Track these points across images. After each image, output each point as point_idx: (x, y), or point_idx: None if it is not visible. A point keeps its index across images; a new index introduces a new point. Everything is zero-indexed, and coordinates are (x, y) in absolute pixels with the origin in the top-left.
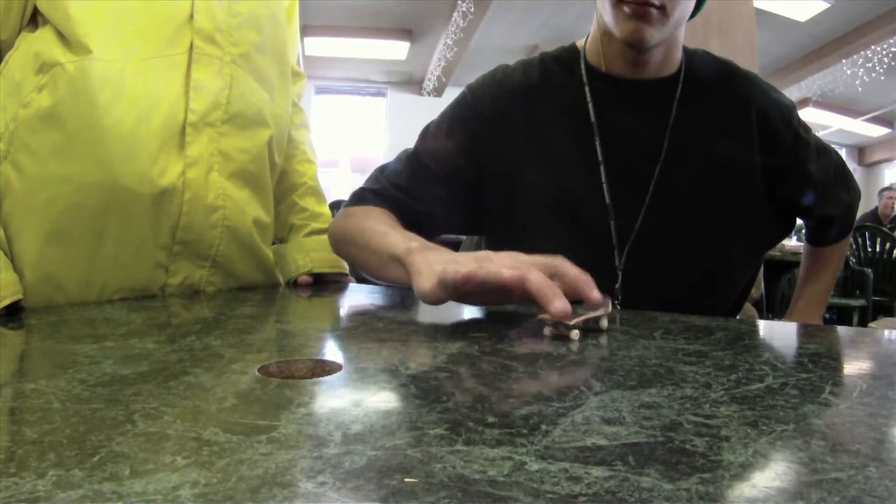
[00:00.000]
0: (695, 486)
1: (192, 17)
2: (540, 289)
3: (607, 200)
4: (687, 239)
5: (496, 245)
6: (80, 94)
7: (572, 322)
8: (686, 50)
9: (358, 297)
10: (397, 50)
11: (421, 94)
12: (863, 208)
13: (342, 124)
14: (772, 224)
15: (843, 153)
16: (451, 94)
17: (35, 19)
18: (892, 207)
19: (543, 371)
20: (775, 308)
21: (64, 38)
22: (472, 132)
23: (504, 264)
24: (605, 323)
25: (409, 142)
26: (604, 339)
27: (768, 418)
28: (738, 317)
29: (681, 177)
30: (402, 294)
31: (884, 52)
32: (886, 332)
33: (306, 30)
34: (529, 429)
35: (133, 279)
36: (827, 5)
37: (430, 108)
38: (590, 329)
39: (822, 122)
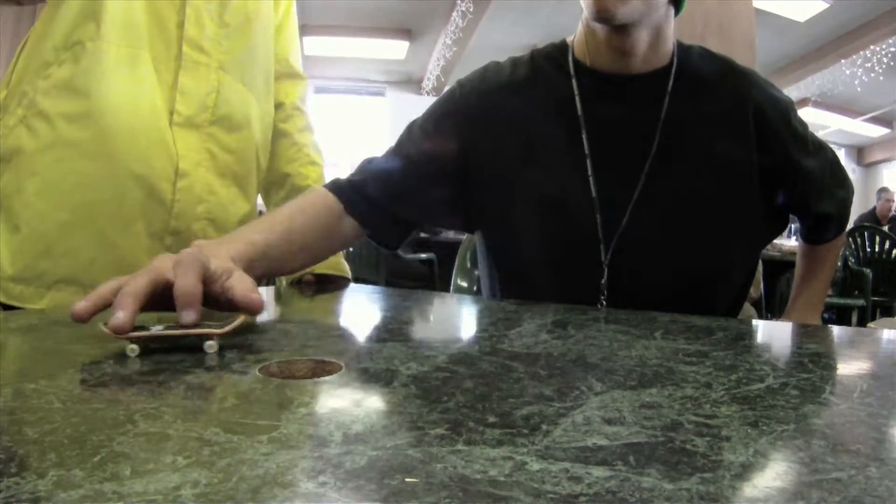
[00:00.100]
0: (695, 486)
1: (182, 24)
2: (104, 292)
3: (594, 194)
4: (676, 235)
5: (488, 241)
6: (94, 70)
7: (132, 335)
8: (681, 45)
9: (358, 297)
10: (396, 49)
11: (420, 94)
12: (861, 208)
13: (341, 124)
14: (765, 222)
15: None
16: (450, 87)
17: None
18: (890, 208)
19: (544, 371)
20: (774, 308)
21: (87, 18)
22: (460, 127)
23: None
24: (208, 344)
25: None
26: (604, 339)
27: (769, 418)
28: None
29: (672, 172)
30: (403, 294)
31: (883, 53)
32: (886, 332)
33: (306, 29)
34: (530, 429)
35: (120, 260)
36: (826, 5)
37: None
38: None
39: (821, 122)
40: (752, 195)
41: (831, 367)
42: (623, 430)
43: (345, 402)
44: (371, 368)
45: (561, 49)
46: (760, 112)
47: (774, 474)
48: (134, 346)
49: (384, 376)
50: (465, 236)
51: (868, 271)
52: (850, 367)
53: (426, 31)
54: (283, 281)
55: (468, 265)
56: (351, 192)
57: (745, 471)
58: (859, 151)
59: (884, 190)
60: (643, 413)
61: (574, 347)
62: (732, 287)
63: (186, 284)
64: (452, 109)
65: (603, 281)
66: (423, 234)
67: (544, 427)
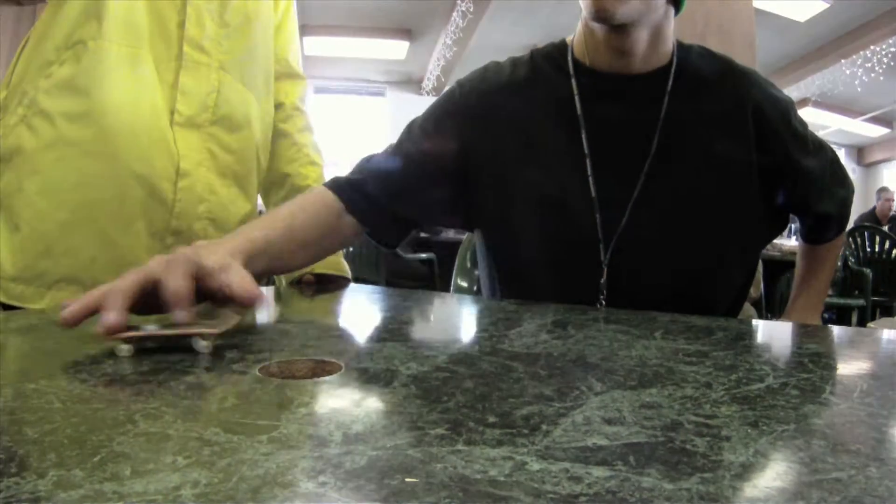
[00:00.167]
0: (695, 486)
1: (183, 24)
2: (91, 296)
3: (593, 194)
4: (676, 235)
5: (488, 240)
6: (96, 69)
7: (124, 335)
8: (681, 45)
9: (358, 297)
10: (396, 49)
11: (420, 94)
12: (861, 208)
13: (341, 124)
14: (764, 222)
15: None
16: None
17: None
18: (890, 207)
19: (544, 371)
20: (775, 308)
21: (89, 18)
22: (460, 127)
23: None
24: (201, 345)
25: None
26: (604, 339)
27: (769, 418)
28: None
29: (672, 172)
30: (403, 294)
31: (883, 53)
32: (886, 332)
33: (306, 29)
34: (530, 429)
35: (121, 260)
36: (826, 5)
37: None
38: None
39: (821, 122)
40: (751, 195)
41: (831, 367)
42: (623, 430)
43: (345, 402)
44: (371, 368)
45: (560, 49)
46: (760, 111)
47: (774, 474)
48: (124, 346)
49: (384, 376)
50: (465, 236)
51: (868, 271)
52: (850, 367)
53: (426, 31)
54: (283, 281)
55: (468, 265)
56: (350, 191)
57: (745, 471)
58: (859, 151)
59: (883, 190)
60: (643, 413)
61: (574, 347)
62: (732, 287)
63: (175, 283)
64: (452, 109)
65: (602, 280)
66: (423, 234)
67: (544, 427)
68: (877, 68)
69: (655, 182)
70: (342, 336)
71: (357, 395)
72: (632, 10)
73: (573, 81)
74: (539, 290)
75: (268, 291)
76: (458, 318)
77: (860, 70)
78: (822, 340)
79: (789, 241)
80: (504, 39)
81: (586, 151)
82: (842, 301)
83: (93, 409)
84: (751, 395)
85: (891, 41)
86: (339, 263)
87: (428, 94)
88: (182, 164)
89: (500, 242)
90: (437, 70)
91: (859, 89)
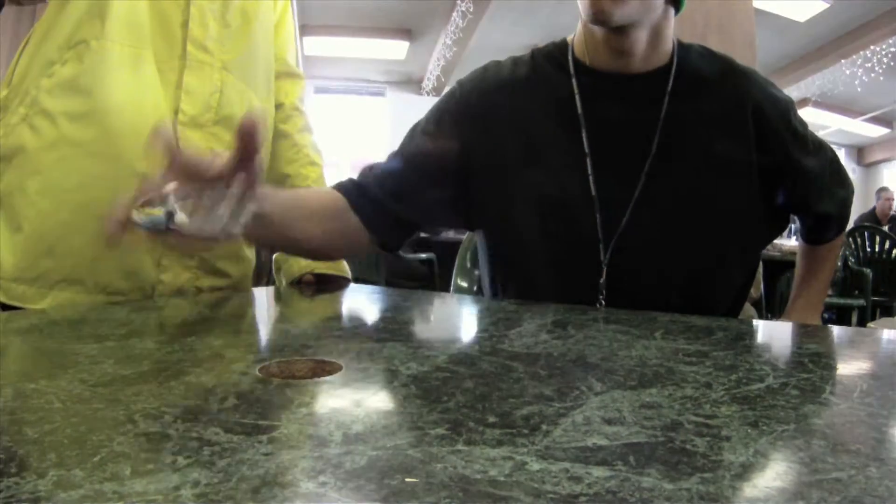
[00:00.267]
0: (695, 485)
1: (186, 24)
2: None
3: (593, 193)
4: (676, 235)
5: (488, 240)
6: (98, 69)
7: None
8: (681, 44)
9: (358, 297)
10: (396, 50)
11: (420, 94)
12: (861, 208)
13: (341, 124)
14: (764, 222)
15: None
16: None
17: None
18: (890, 207)
19: (544, 371)
20: (775, 308)
21: (92, 17)
22: (460, 126)
23: None
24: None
25: None
26: (604, 340)
27: (769, 418)
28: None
29: (672, 171)
30: (403, 294)
31: (883, 53)
32: (886, 332)
33: (305, 29)
34: (530, 429)
35: (123, 262)
36: (826, 5)
37: (429, 108)
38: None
39: (821, 122)
40: (751, 195)
41: (831, 367)
42: (623, 430)
43: (345, 402)
44: (371, 368)
45: (561, 48)
46: (760, 111)
47: (774, 474)
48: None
49: (384, 376)
50: (465, 236)
51: (868, 271)
52: (850, 367)
53: (426, 31)
54: (284, 281)
55: (468, 265)
56: (355, 192)
57: (745, 471)
58: (859, 151)
59: (883, 189)
60: (643, 413)
61: (574, 347)
62: (732, 287)
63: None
64: (452, 109)
65: (602, 280)
66: (423, 234)
67: (544, 427)
68: (877, 68)
69: (656, 182)
70: (342, 336)
71: (357, 395)
72: (629, 11)
73: (573, 81)
74: (539, 290)
75: (268, 291)
76: (458, 318)
77: (860, 70)
78: (822, 340)
79: (789, 241)
80: (504, 39)
81: (587, 151)
82: (842, 301)
83: (93, 409)
84: (751, 395)
85: (891, 41)
86: (339, 263)
87: (428, 94)
88: None
89: (500, 242)
90: (437, 70)
91: (859, 89)
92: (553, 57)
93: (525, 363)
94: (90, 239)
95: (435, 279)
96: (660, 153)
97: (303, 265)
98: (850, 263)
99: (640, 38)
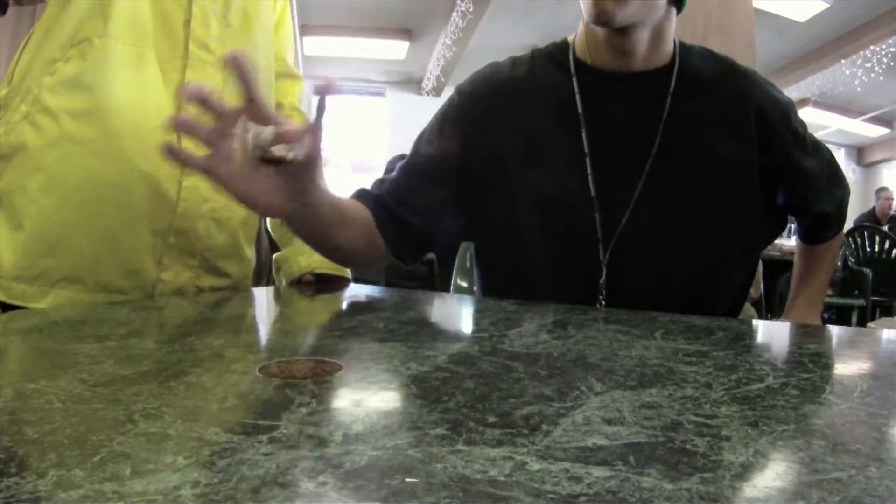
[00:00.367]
0: (695, 485)
1: (188, 23)
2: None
3: (593, 193)
4: (676, 235)
5: (488, 240)
6: (101, 67)
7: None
8: (682, 45)
9: (358, 297)
10: (396, 50)
11: (420, 94)
12: (861, 208)
13: (341, 124)
14: (765, 223)
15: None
16: (450, 94)
17: None
18: (890, 207)
19: (544, 371)
20: (774, 308)
21: (95, 16)
22: (463, 131)
23: None
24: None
25: (408, 141)
26: (604, 340)
27: (769, 418)
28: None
29: (673, 172)
30: (403, 294)
31: (883, 53)
32: (886, 332)
33: (306, 29)
34: (530, 429)
35: (124, 260)
36: (826, 5)
37: (429, 108)
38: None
39: (821, 122)
40: (752, 195)
41: (831, 367)
42: (623, 430)
43: (345, 403)
44: (371, 368)
45: (562, 48)
46: (762, 112)
47: (774, 474)
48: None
49: (384, 376)
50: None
51: (868, 271)
52: (850, 367)
53: (426, 31)
54: (283, 281)
55: (468, 265)
56: (375, 205)
57: (745, 471)
58: (859, 151)
59: (883, 189)
60: (643, 413)
61: (574, 347)
62: (732, 287)
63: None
64: (453, 112)
65: (602, 280)
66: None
67: (544, 427)
68: (877, 68)
69: (656, 182)
70: (342, 336)
71: (357, 395)
72: (632, 12)
73: (574, 80)
74: (538, 290)
75: (268, 291)
76: (458, 318)
77: (860, 70)
78: (822, 340)
79: (789, 241)
80: (504, 39)
81: (586, 150)
82: (842, 301)
83: (93, 409)
84: (751, 395)
85: (891, 41)
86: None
87: (428, 95)
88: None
89: (500, 242)
90: (436, 70)
91: (859, 89)
92: (554, 57)
93: (525, 363)
94: (91, 237)
95: (435, 279)
96: (660, 153)
97: (303, 265)
98: (849, 263)
99: (642, 38)
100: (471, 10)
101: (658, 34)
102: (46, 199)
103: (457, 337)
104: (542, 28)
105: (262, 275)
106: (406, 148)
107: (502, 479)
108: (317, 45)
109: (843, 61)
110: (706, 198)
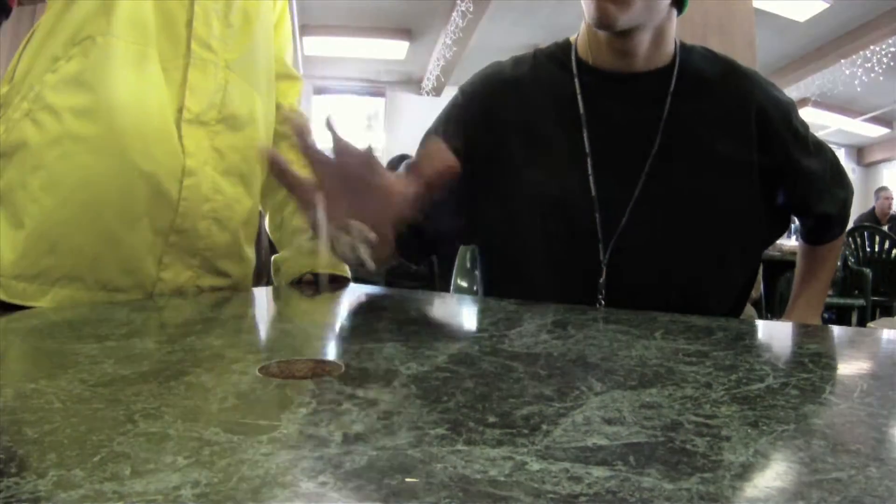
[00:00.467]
0: (695, 486)
1: (190, 23)
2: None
3: (593, 193)
4: (676, 235)
5: (489, 240)
6: (103, 65)
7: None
8: (683, 45)
9: (358, 297)
10: (396, 49)
11: (420, 94)
12: (861, 208)
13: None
14: (765, 223)
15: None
16: (450, 94)
17: None
18: (890, 207)
19: (544, 371)
20: (775, 308)
21: (98, 14)
22: (466, 132)
23: None
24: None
25: (408, 141)
26: (604, 340)
27: (769, 418)
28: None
29: (673, 171)
30: (403, 294)
31: (883, 53)
32: (886, 332)
33: (305, 29)
34: (530, 429)
35: (125, 259)
36: (826, 5)
37: (429, 108)
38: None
39: (821, 122)
40: (752, 195)
41: (831, 367)
42: (623, 430)
43: (345, 403)
44: (371, 368)
45: (564, 48)
46: (763, 113)
47: (774, 474)
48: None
49: (384, 376)
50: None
51: (868, 271)
52: (850, 367)
53: (426, 31)
54: (283, 281)
55: (468, 265)
56: None
57: (745, 471)
58: (859, 151)
59: (882, 189)
60: (643, 413)
61: (574, 347)
62: (733, 287)
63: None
64: (456, 112)
65: (602, 280)
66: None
67: (544, 427)
68: (877, 68)
69: (656, 182)
70: (342, 336)
71: (357, 395)
72: (633, 15)
73: (576, 80)
74: (538, 290)
75: (268, 291)
76: (458, 318)
77: (860, 70)
78: (822, 340)
79: (789, 241)
80: (504, 39)
81: (587, 150)
82: (842, 301)
83: (93, 409)
84: (751, 395)
85: (891, 41)
86: (337, 263)
87: (428, 94)
88: (188, 162)
89: (500, 241)
90: (436, 70)
91: (859, 89)
92: (555, 56)
93: (525, 363)
94: (92, 236)
95: (435, 279)
96: (661, 153)
97: (303, 265)
98: (849, 263)
99: (644, 39)
100: (471, 9)
101: (659, 35)
102: (47, 197)
103: (457, 337)
104: (543, 28)
105: (262, 275)
106: (406, 148)
107: (502, 479)
108: (317, 44)
109: (843, 61)
110: (706, 198)
